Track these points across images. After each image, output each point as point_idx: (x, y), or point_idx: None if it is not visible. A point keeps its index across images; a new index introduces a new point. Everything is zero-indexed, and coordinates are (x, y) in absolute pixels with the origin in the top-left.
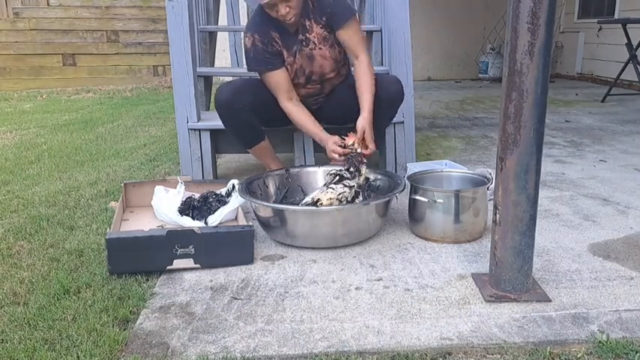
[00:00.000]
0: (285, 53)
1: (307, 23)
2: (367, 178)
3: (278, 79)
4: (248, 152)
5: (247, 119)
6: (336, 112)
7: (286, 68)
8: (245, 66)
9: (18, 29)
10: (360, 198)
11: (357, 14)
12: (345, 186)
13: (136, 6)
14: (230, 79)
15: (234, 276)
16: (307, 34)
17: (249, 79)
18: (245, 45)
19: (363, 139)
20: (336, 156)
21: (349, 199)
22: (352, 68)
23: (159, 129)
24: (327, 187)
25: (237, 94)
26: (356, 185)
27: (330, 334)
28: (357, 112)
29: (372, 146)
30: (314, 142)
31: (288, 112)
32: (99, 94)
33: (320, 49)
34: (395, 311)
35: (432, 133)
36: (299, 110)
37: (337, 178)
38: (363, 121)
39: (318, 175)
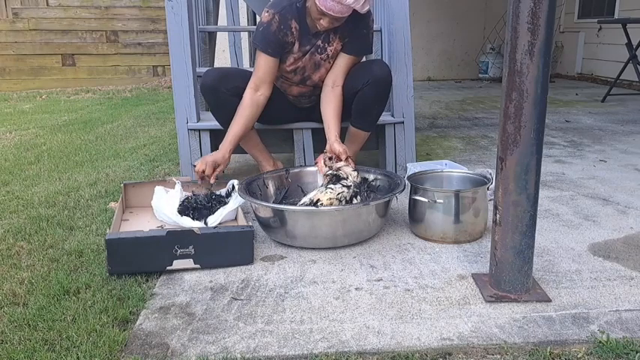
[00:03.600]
0: (296, 46)
1: (332, 36)
2: (365, 179)
3: (265, 64)
4: (247, 153)
5: (230, 103)
6: None
7: (282, 59)
8: (244, 66)
9: (17, 29)
10: (358, 197)
11: (367, 55)
12: (343, 186)
13: (136, 6)
14: None
15: (234, 276)
16: (327, 45)
17: (237, 67)
18: (262, 18)
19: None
20: (207, 177)
21: (347, 198)
22: (327, 87)
23: (158, 129)
24: (326, 188)
25: (223, 78)
26: (353, 185)
27: (330, 334)
28: (345, 113)
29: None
30: (314, 142)
31: (244, 98)
32: (98, 95)
33: (329, 62)
34: (395, 311)
35: (432, 133)
36: (248, 107)
37: (334, 178)
38: (339, 144)
39: (318, 175)
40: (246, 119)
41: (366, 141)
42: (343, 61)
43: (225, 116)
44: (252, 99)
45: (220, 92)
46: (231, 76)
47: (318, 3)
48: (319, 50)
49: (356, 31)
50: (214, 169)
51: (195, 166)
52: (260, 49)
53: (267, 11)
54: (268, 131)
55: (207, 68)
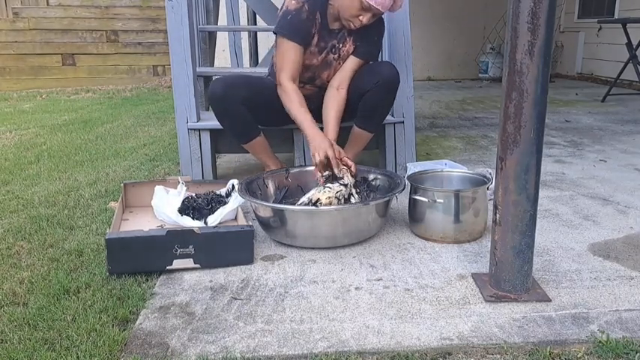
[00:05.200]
0: (315, 39)
1: (347, 37)
2: (365, 178)
3: (294, 54)
4: (247, 152)
5: (241, 114)
6: None
7: (303, 53)
8: (244, 66)
9: (17, 29)
10: (356, 195)
11: (373, 60)
12: (341, 184)
13: (136, 6)
14: None
15: (233, 276)
16: (341, 45)
17: (244, 75)
18: (287, 7)
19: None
20: (317, 159)
21: (346, 196)
22: (332, 88)
23: (158, 129)
24: (325, 187)
25: (231, 88)
26: (350, 183)
27: (330, 334)
28: (349, 113)
29: (350, 162)
30: None
31: (286, 88)
32: (98, 94)
33: (339, 63)
34: (395, 311)
35: (432, 133)
36: (297, 93)
37: (331, 177)
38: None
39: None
40: (304, 103)
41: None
42: (351, 65)
43: (234, 126)
44: (295, 87)
45: (228, 102)
46: (238, 86)
47: None
48: (333, 50)
49: (369, 35)
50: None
51: (318, 161)
52: (287, 38)
53: None
54: (269, 131)
55: (208, 68)
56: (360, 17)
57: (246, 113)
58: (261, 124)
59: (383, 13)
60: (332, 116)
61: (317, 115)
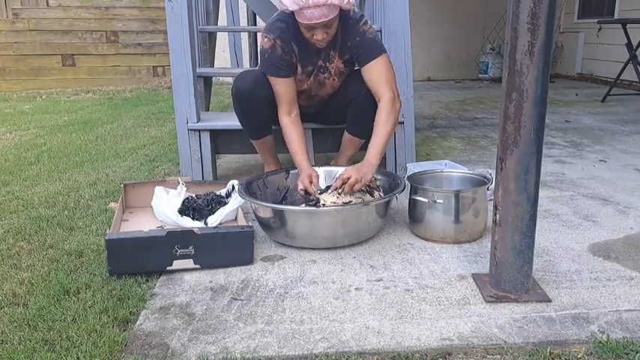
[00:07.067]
0: (299, 68)
1: (332, 53)
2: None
3: (286, 88)
4: (247, 152)
5: (261, 110)
6: (331, 116)
7: (294, 79)
8: (244, 67)
9: (17, 30)
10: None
11: (384, 52)
12: (355, 197)
13: (136, 6)
14: (230, 79)
15: (234, 277)
16: (328, 64)
17: (261, 71)
18: (262, 45)
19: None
20: (301, 190)
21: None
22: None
23: (158, 130)
24: (334, 190)
25: (259, 84)
26: (363, 200)
27: (330, 334)
28: (339, 118)
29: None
30: (314, 142)
31: (283, 125)
32: (98, 95)
33: (333, 79)
34: (395, 312)
35: (432, 134)
36: (293, 128)
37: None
38: (368, 169)
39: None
40: (302, 136)
41: (363, 143)
42: (367, 75)
43: (253, 121)
44: (292, 121)
45: (255, 99)
46: (265, 83)
47: (300, 21)
48: (322, 70)
49: (352, 43)
50: (313, 181)
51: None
52: (274, 76)
53: (266, 37)
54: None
55: (208, 69)
56: (314, 36)
57: (265, 111)
58: (272, 122)
59: (332, 21)
60: (375, 135)
61: (316, 116)
